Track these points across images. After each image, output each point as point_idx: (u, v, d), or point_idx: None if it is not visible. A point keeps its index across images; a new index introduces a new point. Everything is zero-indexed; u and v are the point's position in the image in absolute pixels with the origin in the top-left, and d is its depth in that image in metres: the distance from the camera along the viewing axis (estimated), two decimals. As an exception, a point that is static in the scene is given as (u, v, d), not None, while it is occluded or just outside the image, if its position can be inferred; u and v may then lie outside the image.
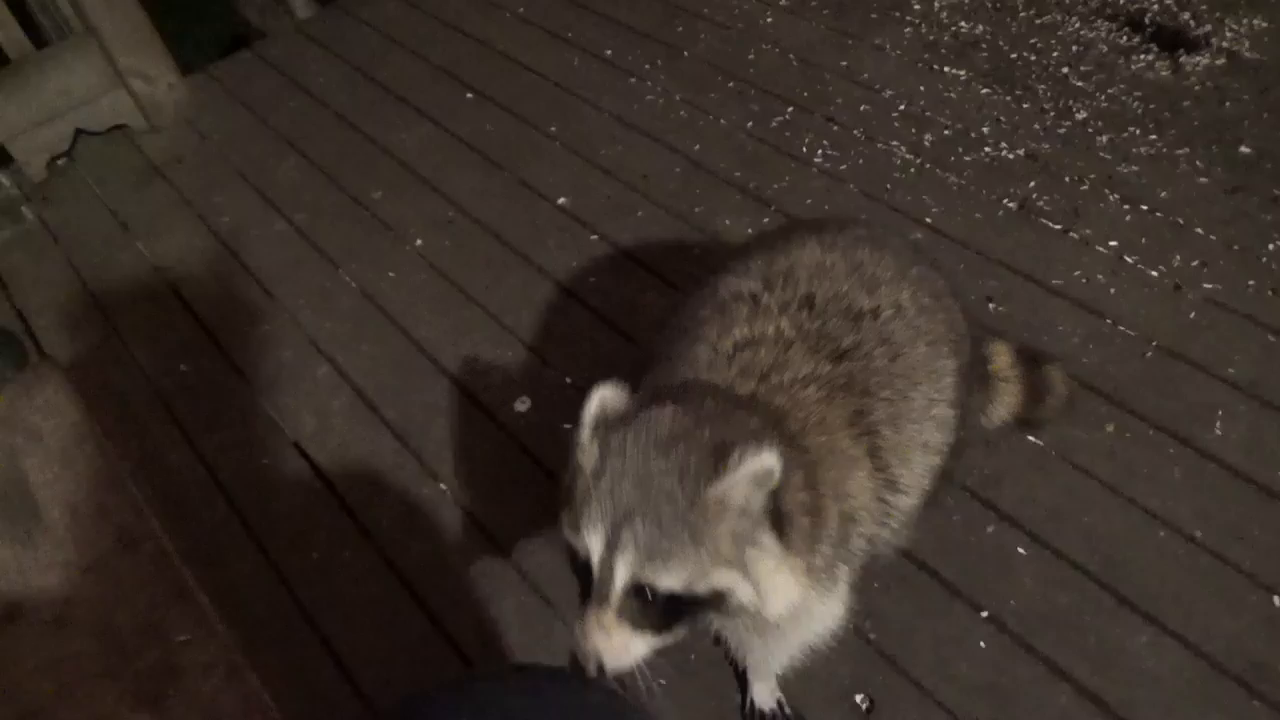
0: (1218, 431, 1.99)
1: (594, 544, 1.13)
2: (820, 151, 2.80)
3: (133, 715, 0.99)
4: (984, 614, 1.79)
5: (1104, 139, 2.69)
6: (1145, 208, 2.48)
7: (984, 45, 3.10)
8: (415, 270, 2.67)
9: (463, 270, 2.64)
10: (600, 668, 1.12)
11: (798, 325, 1.41)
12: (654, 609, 1.13)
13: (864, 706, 1.71)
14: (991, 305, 2.30)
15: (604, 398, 1.22)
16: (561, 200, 2.81)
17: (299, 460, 2.23)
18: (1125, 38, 3.02)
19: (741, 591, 1.14)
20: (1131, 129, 2.70)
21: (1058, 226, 2.47)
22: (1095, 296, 2.28)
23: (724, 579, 1.13)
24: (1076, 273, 2.34)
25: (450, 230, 2.77)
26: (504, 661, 1.04)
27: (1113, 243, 2.40)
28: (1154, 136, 2.67)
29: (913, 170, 2.70)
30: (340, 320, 2.56)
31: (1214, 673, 1.66)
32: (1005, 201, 2.56)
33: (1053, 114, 2.80)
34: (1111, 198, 2.52)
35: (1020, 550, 1.87)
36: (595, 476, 1.16)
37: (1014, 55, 3.04)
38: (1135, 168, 2.59)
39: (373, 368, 2.42)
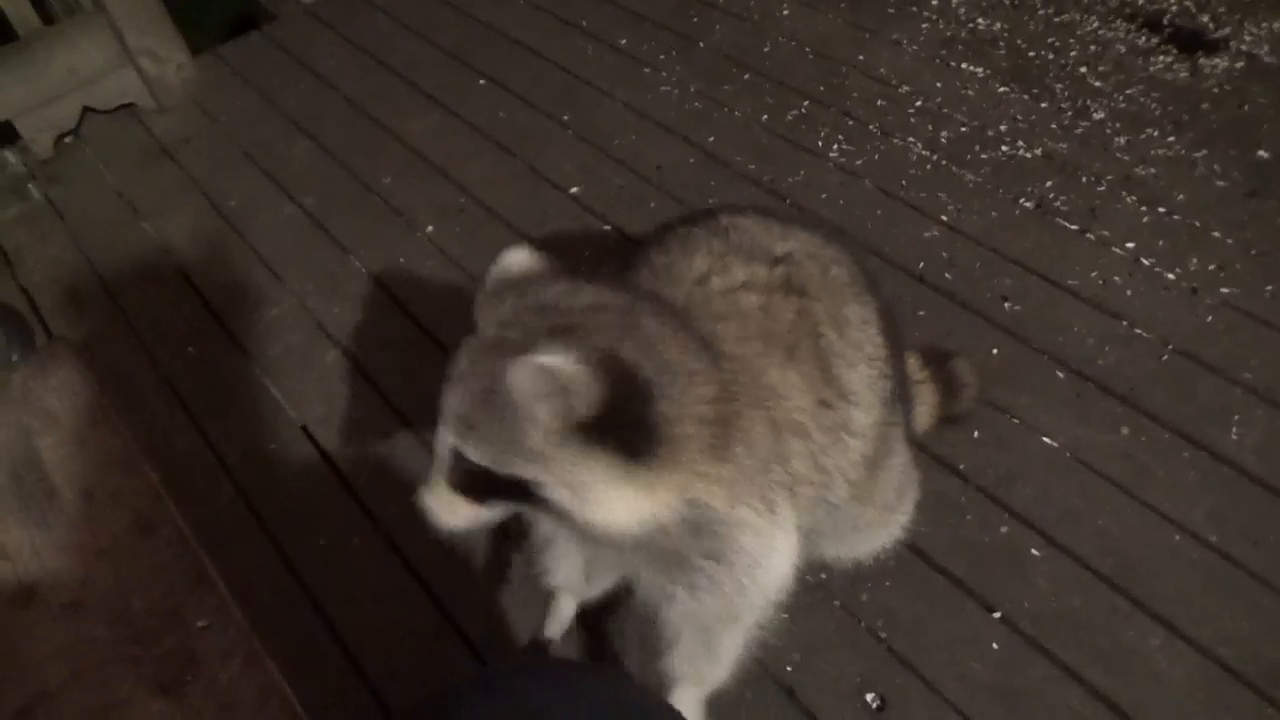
0: (1233, 435, 1.98)
1: (441, 412, 1.13)
2: (836, 146, 2.79)
3: (150, 701, 0.98)
4: (996, 614, 1.79)
5: (1121, 140, 2.67)
6: (1163, 210, 2.46)
7: (1002, 43, 3.08)
8: (425, 257, 2.66)
9: (474, 258, 2.62)
10: (435, 524, 1.15)
11: (730, 243, 1.34)
12: (473, 480, 1.12)
13: (875, 705, 1.70)
14: (1007, 304, 2.29)
15: (511, 260, 1.18)
16: (574, 190, 2.79)
17: (306, 445, 2.22)
18: (1144, 38, 3.00)
19: (555, 492, 1.08)
20: (1149, 130, 2.69)
21: (1074, 227, 2.46)
22: (1111, 298, 2.27)
23: (529, 471, 1.08)
24: (1093, 273, 2.33)
25: (461, 218, 2.75)
26: (534, 654, 1.02)
27: (1130, 244, 2.39)
28: (1172, 138, 2.65)
29: (929, 167, 2.68)
30: (349, 306, 2.54)
31: (1227, 677, 1.65)
32: (1022, 201, 2.54)
33: (1070, 114, 2.78)
34: (1129, 199, 2.51)
35: (1033, 551, 1.86)
36: (463, 342, 1.14)
37: (1032, 53, 3.02)
38: (1153, 169, 2.57)
39: (381, 354, 2.40)
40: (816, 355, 1.27)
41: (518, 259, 1.18)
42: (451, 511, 1.14)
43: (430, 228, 2.74)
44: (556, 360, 0.98)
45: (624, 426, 1.04)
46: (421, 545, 1.99)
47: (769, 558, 1.23)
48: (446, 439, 1.10)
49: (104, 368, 2.43)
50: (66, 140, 3.25)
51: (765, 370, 1.20)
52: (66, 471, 1.22)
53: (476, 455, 1.08)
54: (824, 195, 2.65)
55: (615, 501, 1.08)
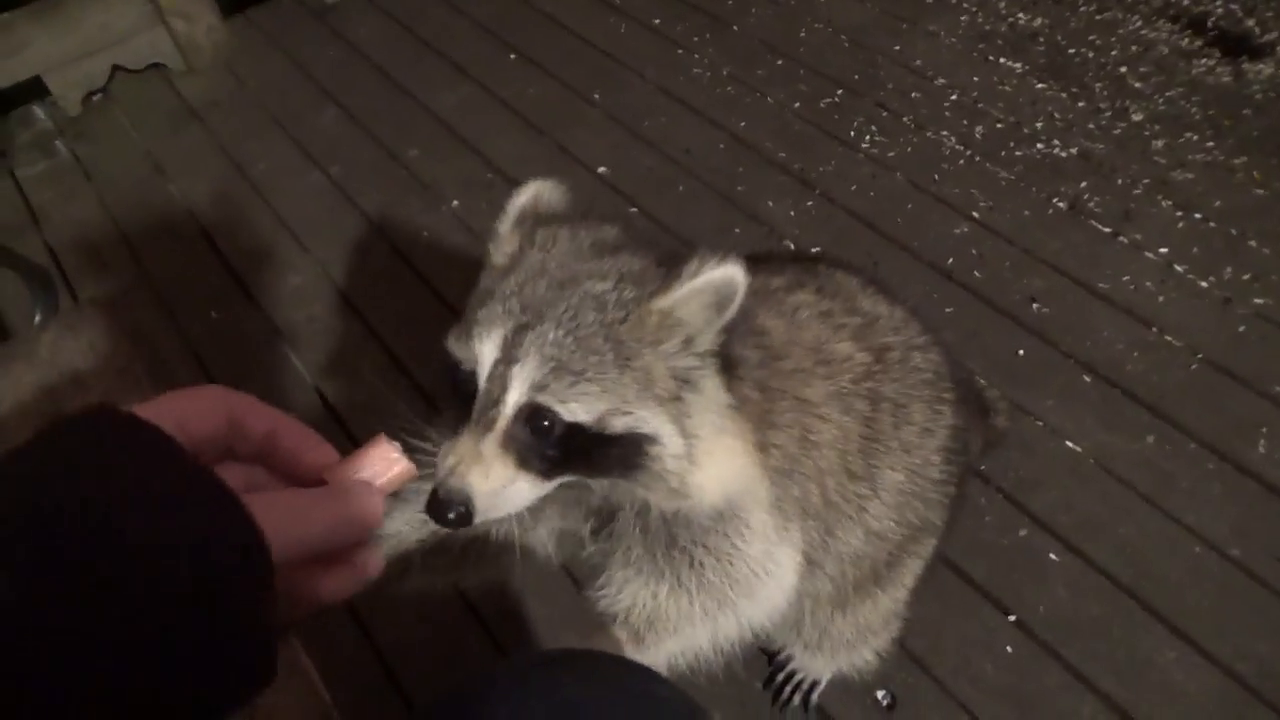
0: (1260, 449, 1.95)
1: (486, 350, 0.90)
2: (868, 137, 2.75)
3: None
4: (1012, 618, 1.77)
5: (1160, 143, 2.63)
6: (1199, 216, 2.43)
7: (1041, 39, 3.03)
8: (451, 231, 2.64)
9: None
10: (463, 512, 0.87)
11: (822, 280, 1.28)
12: (548, 445, 0.90)
13: (885, 703, 1.70)
14: (1035, 305, 2.26)
15: (540, 191, 1.05)
16: (601, 169, 2.77)
17: (328, 419, 2.22)
18: (1187, 40, 2.95)
19: (669, 444, 0.93)
20: (1189, 134, 2.65)
21: (1108, 229, 2.42)
22: (1142, 303, 2.24)
23: (650, 421, 0.92)
24: (1125, 278, 2.30)
25: (488, 193, 2.74)
26: (563, 647, 0.99)
27: (1163, 250, 2.35)
28: (1211, 143, 2.61)
29: (962, 162, 2.64)
30: (373, 277, 2.54)
31: (1244, 694, 1.64)
32: (1055, 200, 2.51)
33: (1108, 114, 2.74)
34: (1164, 203, 2.47)
35: (1052, 556, 1.85)
36: (505, 273, 0.96)
37: (1072, 51, 2.97)
38: (1190, 175, 2.54)
39: (403, 328, 2.39)
40: (864, 426, 1.19)
41: (548, 191, 1.06)
42: (504, 492, 0.90)
43: (456, 202, 2.72)
44: (736, 271, 0.88)
45: (727, 362, 0.95)
46: (438, 521, 1.98)
47: (767, 579, 1.13)
48: (520, 393, 0.89)
49: (127, 329, 2.45)
50: (95, 98, 3.24)
51: (813, 390, 1.13)
52: (93, 435, 1.22)
53: (580, 410, 0.89)
54: (854, 186, 2.62)
55: (721, 457, 0.97)
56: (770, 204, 2.60)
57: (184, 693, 0.49)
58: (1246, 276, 2.27)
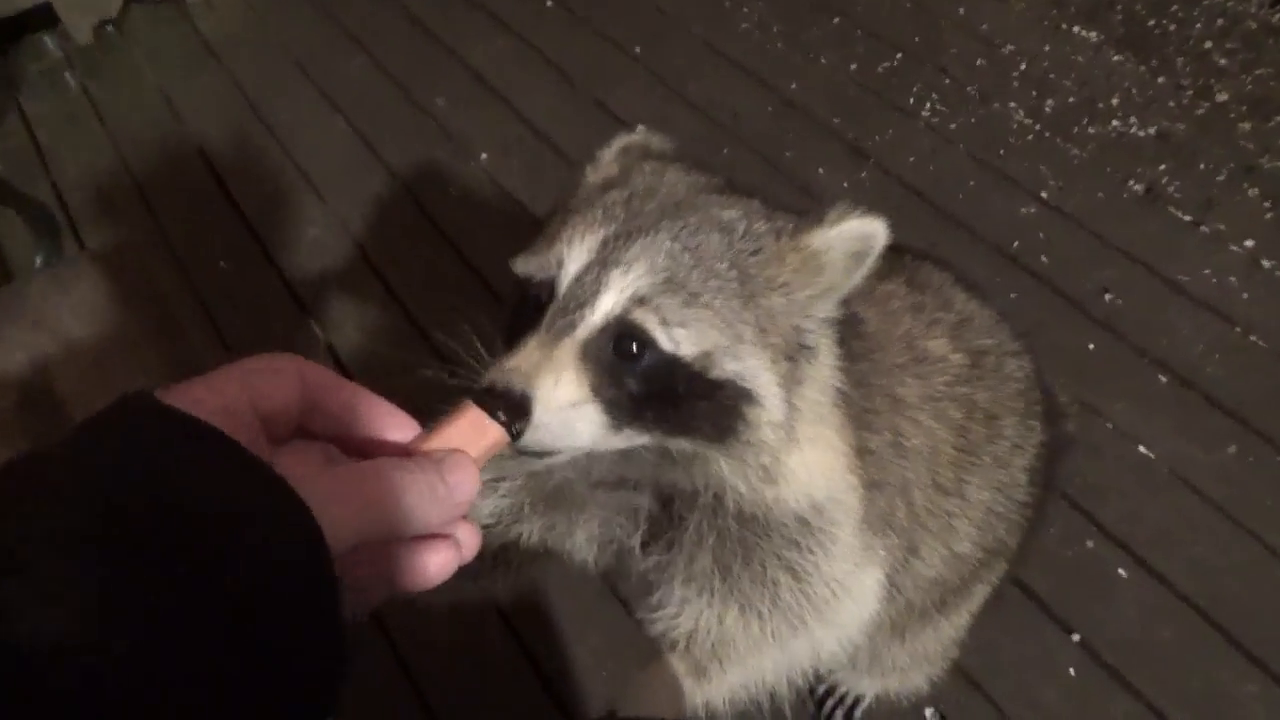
0: (1353, 466, 1.80)
1: (575, 253, 0.77)
2: (929, 105, 2.57)
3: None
4: (1075, 637, 1.64)
5: (1246, 126, 2.44)
6: (1288, 207, 2.25)
7: (1119, 7, 2.82)
8: (477, 187, 2.48)
9: (528, 193, 2.44)
10: (519, 408, 0.69)
11: (909, 270, 1.15)
12: (632, 378, 0.75)
13: (934, 723, 1.57)
14: (1108, 296, 2.09)
15: (650, 136, 0.95)
16: (640, 129, 2.59)
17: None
18: (1278, 16, 2.73)
19: (771, 408, 0.79)
20: (1278, 118, 2.45)
21: (1188, 218, 2.24)
22: (1225, 300, 2.07)
23: (760, 376, 0.78)
24: (1205, 271, 2.12)
25: (518, 149, 2.57)
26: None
27: (1249, 242, 2.17)
28: (1304, 129, 2.42)
29: (1030, 137, 2.46)
30: (395, 234, 2.38)
31: (1334, 738, 1.50)
32: (1131, 183, 2.33)
33: (1191, 92, 2.54)
34: (1250, 192, 2.28)
35: (1121, 572, 1.70)
36: (604, 188, 0.85)
37: (1152, 22, 2.76)
38: (1279, 162, 2.34)
39: (424, 287, 2.24)
40: (957, 435, 1.04)
41: (658, 139, 0.96)
42: (568, 406, 0.73)
43: (484, 156, 2.56)
44: (880, 226, 0.78)
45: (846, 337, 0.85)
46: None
47: (849, 603, 0.97)
48: (615, 302, 0.74)
49: (132, 277, 2.31)
50: (107, 29, 3.07)
51: (907, 390, 0.99)
52: (82, 403, 1.08)
53: (685, 339, 0.75)
54: (912, 158, 2.44)
55: (818, 449, 0.85)
56: (821, 173, 2.42)
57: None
58: (1340, 275, 2.10)
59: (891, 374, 0.97)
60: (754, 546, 0.91)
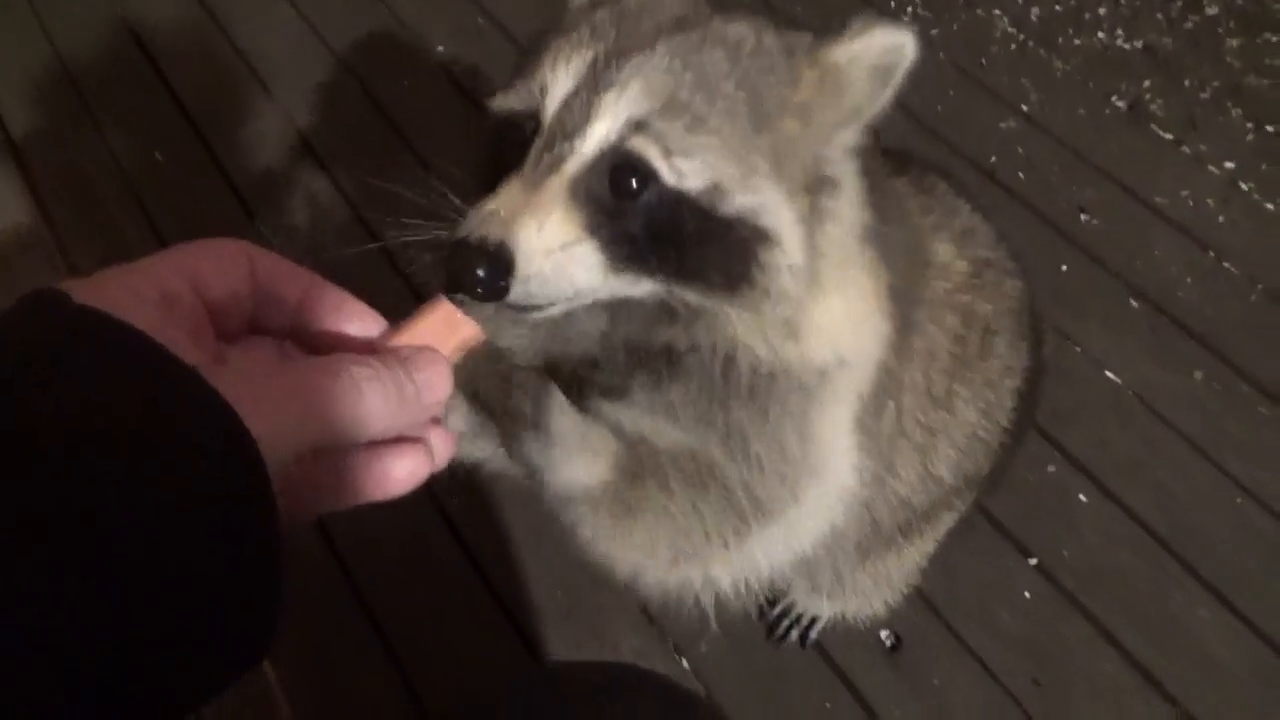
0: (1319, 397, 1.79)
1: (559, 78, 0.68)
2: (910, 8, 2.45)
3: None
4: (1033, 561, 1.63)
5: (1235, 42, 2.36)
6: (1270, 129, 2.19)
7: (1112, -88, 2.69)
8: (433, 82, 2.34)
9: (490, 90, 2.30)
10: (498, 266, 0.62)
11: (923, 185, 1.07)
12: (628, 215, 0.67)
13: (889, 643, 1.56)
14: (1084, 216, 2.04)
15: None
16: None
17: (285, 284, 1.97)
18: (1273, -73, 2.63)
19: (790, 251, 0.70)
20: (1268, 35, 2.37)
21: (1169, 136, 2.18)
22: (1201, 223, 2.03)
23: (776, 212, 0.69)
24: (1184, 192, 2.07)
25: (479, 42, 2.42)
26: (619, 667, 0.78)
27: (1229, 164, 2.12)
28: (1293, 48, 2.35)
29: (1014, 47, 2.36)
30: (342, 128, 2.24)
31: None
32: (1114, 99, 2.25)
33: (1180, 4, 2.45)
34: (1234, 112, 2.22)
35: (1082, 498, 1.69)
36: (592, 6, 0.75)
37: (1145, -71, 2.65)
38: (1266, 81, 2.28)
39: (374, 189, 2.11)
40: (953, 343, 0.97)
41: None
42: (549, 238, 0.64)
43: (441, 48, 2.41)
44: (908, 38, 0.70)
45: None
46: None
47: (820, 491, 0.87)
48: (609, 128, 0.66)
49: (62, 167, 2.16)
50: (31, -105, 2.82)
51: (916, 286, 0.90)
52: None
53: (689, 170, 0.66)
54: (891, 66, 2.33)
55: (848, 294, 0.75)
56: (796, 79, 2.31)
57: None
58: (1319, 202, 2.06)
59: (904, 259, 0.86)
60: (762, 391, 0.78)
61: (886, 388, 0.89)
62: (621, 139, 0.66)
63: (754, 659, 1.53)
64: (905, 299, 0.86)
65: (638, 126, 0.65)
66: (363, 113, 2.27)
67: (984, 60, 2.33)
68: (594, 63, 0.67)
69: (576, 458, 0.77)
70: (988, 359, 1.03)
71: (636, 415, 0.81)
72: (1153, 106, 2.23)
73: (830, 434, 0.85)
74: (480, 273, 0.58)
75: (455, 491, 1.68)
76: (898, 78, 0.71)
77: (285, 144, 2.21)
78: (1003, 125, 2.21)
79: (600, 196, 0.66)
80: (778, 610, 1.54)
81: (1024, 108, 2.23)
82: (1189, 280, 1.94)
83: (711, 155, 0.66)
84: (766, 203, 0.68)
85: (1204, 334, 1.86)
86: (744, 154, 0.67)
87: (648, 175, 0.66)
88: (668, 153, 0.66)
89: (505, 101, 0.73)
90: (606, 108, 0.65)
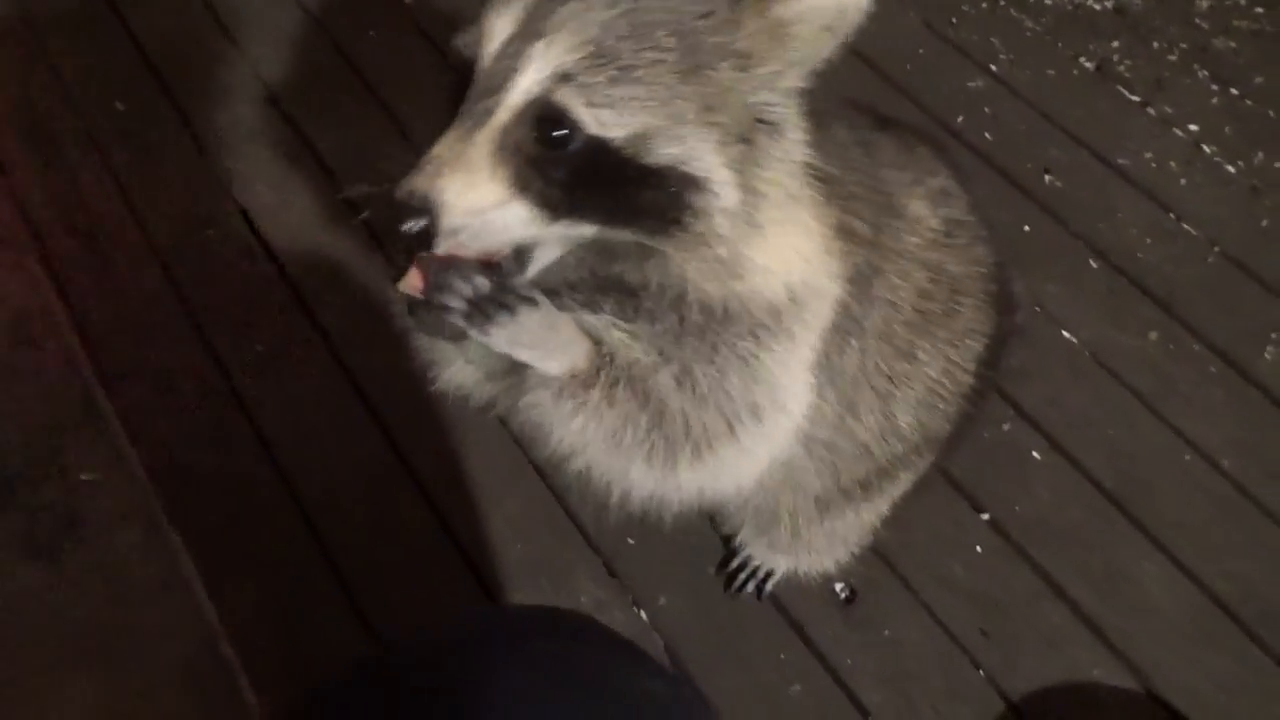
0: (1268, 357, 1.82)
1: (499, 25, 0.70)
2: (884, -35, 2.43)
3: (16, 565, 0.79)
4: (985, 516, 1.66)
5: (1204, 3, 2.36)
6: (1236, 92, 2.20)
7: None
8: (404, 33, 2.31)
9: (459, 40, 2.27)
10: (423, 224, 0.66)
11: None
12: (558, 166, 0.69)
13: (843, 596, 1.60)
14: (1048, 178, 2.05)
15: None
16: None
17: (249, 236, 1.96)
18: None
19: (722, 194, 0.72)
20: (1237, -4, 2.38)
21: (1136, 98, 2.19)
22: (1163, 185, 2.05)
23: (704, 159, 0.71)
24: (1148, 154, 2.09)
25: (449, -7, 2.38)
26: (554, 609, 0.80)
27: (1193, 126, 2.14)
28: (1261, 10, 2.35)
29: (985, 5, 2.35)
30: (310, 81, 2.21)
31: (1220, 614, 1.57)
32: (1082, 60, 2.26)
33: (1152, -36, 2.45)
34: (1200, 74, 2.23)
35: (1035, 454, 1.72)
36: None
37: (1120, -115, 2.63)
38: (1233, 43, 2.29)
39: (343, 142, 2.10)
40: (919, 297, 0.99)
41: None
42: (475, 198, 0.67)
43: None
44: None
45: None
46: (372, 369, 1.78)
47: (780, 417, 0.90)
48: (535, 81, 0.67)
49: (19, 114, 2.12)
50: None
51: (884, 235, 0.92)
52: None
53: (614, 119, 0.67)
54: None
55: (787, 232, 0.77)
56: (767, 34, 2.30)
57: None
58: (1279, 165, 2.08)
59: (872, 205, 0.89)
60: (712, 331, 0.82)
61: (847, 328, 0.92)
62: (546, 91, 0.67)
63: (712, 612, 1.57)
64: (868, 244, 0.88)
65: (563, 78, 0.66)
66: (329, 63, 2.24)
67: (955, 19, 2.33)
68: (529, 9, 0.68)
69: (550, 342, 0.81)
70: (953, 316, 1.05)
71: (606, 324, 0.84)
72: (1120, 68, 2.24)
73: (782, 375, 0.88)
74: (408, 226, 0.58)
75: (421, 449, 1.70)
76: (847, 32, 0.72)
77: (250, 95, 2.18)
78: (971, 85, 2.21)
79: (529, 148, 0.68)
80: (735, 563, 1.58)
81: (993, 67, 2.23)
82: (1149, 241, 1.97)
83: (636, 105, 0.67)
84: (694, 150, 0.70)
85: (1161, 295, 1.89)
86: (670, 104, 0.68)
87: (571, 125, 0.67)
88: (591, 104, 0.67)
89: (458, 44, 0.75)
90: (534, 58, 0.67)
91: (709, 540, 1.61)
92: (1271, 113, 2.16)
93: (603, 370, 0.84)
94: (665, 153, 0.69)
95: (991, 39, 2.29)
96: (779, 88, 0.74)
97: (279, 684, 1.13)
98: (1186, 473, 1.70)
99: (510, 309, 0.73)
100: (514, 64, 0.67)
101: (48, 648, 0.69)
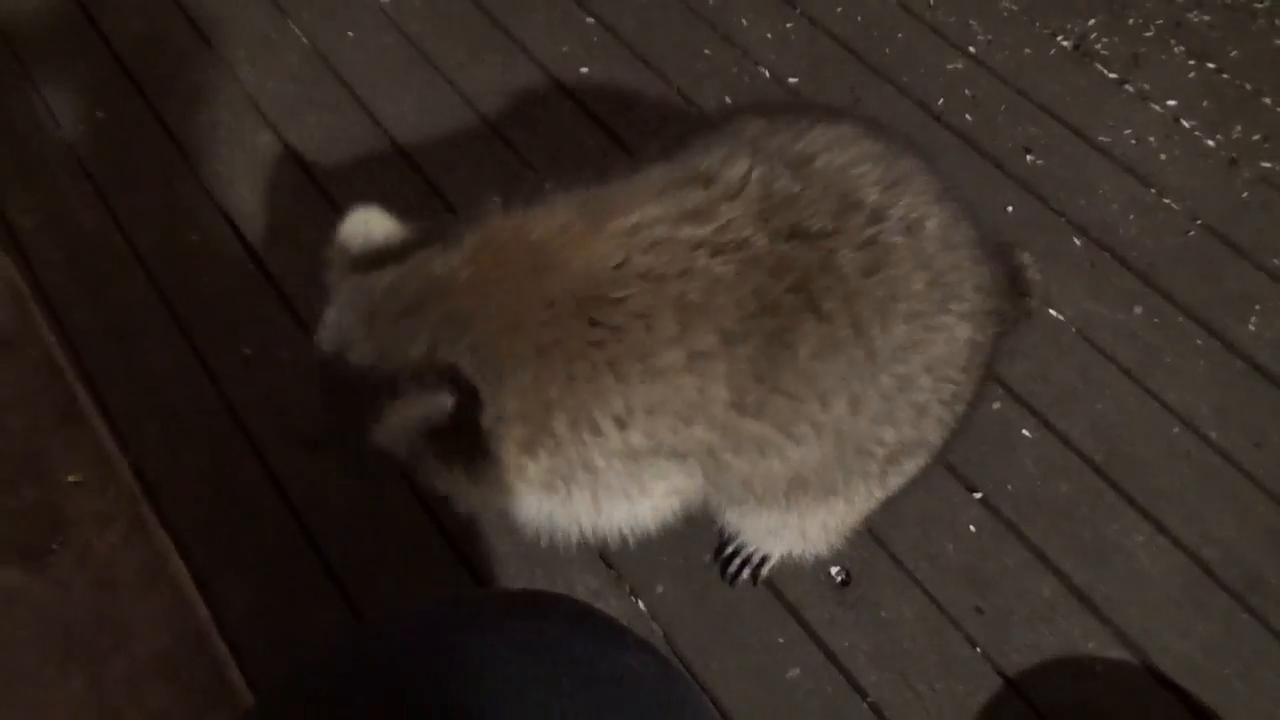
0: (1251, 327, 1.83)
1: None
2: (860, -50, 2.43)
3: (3, 567, 0.78)
4: (977, 495, 1.67)
5: (1179, -22, 2.37)
6: (1212, 66, 2.21)
7: None
8: (379, 32, 2.30)
9: (435, 40, 2.27)
10: None
11: (764, 185, 1.05)
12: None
13: (839, 579, 1.60)
14: (1029, 156, 2.06)
15: (363, 225, 1.04)
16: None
17: (232, 239, 1.95)
18: None
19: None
20: (1211, -30, 2.39)
21: (1113, 75, 2.20)
22: (1143, 160, 2.05)
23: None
24: (1126, 131, 2.10)
25: (423, -11, 2.38)
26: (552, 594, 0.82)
27: (1171, 101, 2.15)
28: (1234, -17, 2.36)
29: (962, -13, 2.36)
30: (286, 81, 2.20)
31: (1207, 581, 1.58)
32: (1059, 39, 2.26)
33: (1126, -59, 2.45)
34: (1177, 49, 2.24)
35: (1025, 432, 1.73)
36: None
37: None
38: (1208, 17, 2.30)
39: (321, 140, 2.10)
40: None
41: (372, 224, 1.04)
42: None
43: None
44: (438, 401, 0.95)
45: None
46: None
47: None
48: None
49: (-5, 125, 2.11)
50: None
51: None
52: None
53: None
54: (839, 8, 2.32)
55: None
56: (744, 22, 2.30)
57: None
58: (1256, 137, 2.09)
59: None
60: None
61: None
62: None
63: (708, 598, 1.57)
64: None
65: None
66: (306, 65, 2.23)
67: (932, 1, 2.33)
68: None
69: None
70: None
71: None
72: (1098, 45, 2.24)
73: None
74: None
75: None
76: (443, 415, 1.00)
77: (228, 97, 2.17)
78: (950, 66, 2.21)
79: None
80: (729, 550, 1.58)
81: (971, 49, 2.24)
82: (1130, 217, 1.98)
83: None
84: None
85: (1143, 269, 1.90)
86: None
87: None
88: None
89: None
90: None
91: (703, 528, 1.61)
92: (1248, 85, 2.17)
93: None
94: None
95: (969, 20, 2.29)
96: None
97: (269, 677, 1.13)
98: (1173, 443, 1.71)
99: None
100: None
101: (34, 648, 0.69)
